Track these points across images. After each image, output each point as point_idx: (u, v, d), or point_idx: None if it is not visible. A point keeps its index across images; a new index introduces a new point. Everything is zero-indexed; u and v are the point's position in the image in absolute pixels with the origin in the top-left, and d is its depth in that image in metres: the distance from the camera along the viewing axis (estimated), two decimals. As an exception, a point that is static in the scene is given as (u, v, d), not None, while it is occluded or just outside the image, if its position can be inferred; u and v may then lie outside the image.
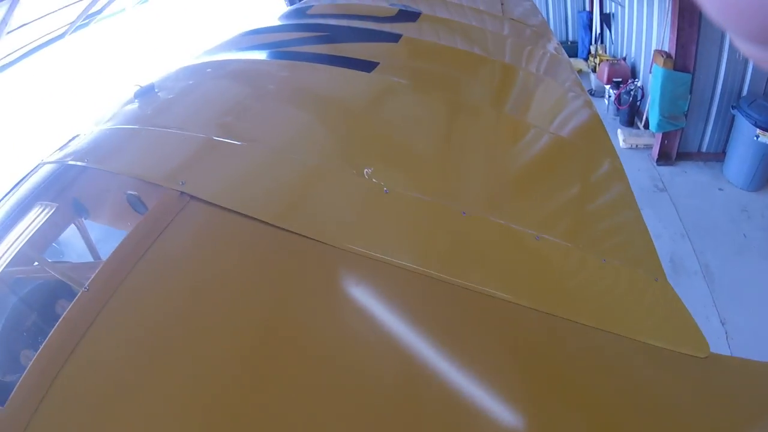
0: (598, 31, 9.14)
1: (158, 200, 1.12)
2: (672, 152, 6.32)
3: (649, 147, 6.72)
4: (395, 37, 2.18)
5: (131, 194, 1.29)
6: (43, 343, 0.86)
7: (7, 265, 1.33)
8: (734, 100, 5.67)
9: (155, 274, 0.99)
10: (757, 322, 4.08)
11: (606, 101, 8.00)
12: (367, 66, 1.80)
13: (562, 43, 9.48)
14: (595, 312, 1.02)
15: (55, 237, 1.61)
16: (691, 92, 5.80)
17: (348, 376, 0.84)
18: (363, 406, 0.81)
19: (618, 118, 7.60)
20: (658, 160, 6.38)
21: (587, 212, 1.37)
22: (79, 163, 1.47)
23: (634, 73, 7.83)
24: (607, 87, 7.81)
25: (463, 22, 2.67)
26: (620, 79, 7.62)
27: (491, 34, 2.58)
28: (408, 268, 0.99)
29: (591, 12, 9.32)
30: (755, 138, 5.22)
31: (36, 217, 1.48)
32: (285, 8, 3.48)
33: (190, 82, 1.91)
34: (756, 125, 5.15)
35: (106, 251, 1.68)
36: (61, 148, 1.69)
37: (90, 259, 1.68)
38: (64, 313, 0.89)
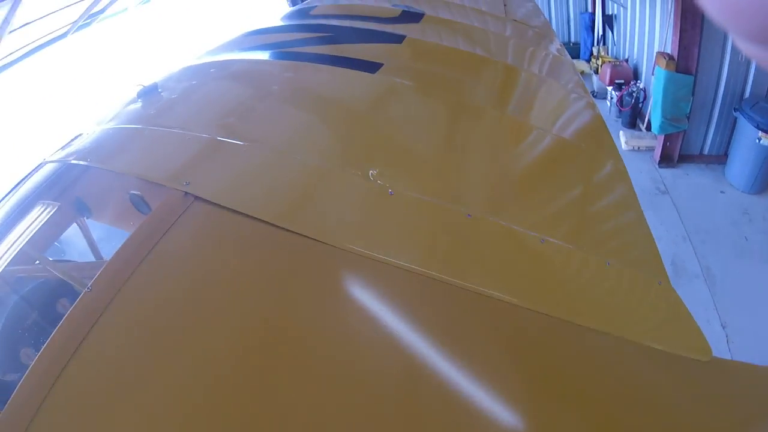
0: (601, 32, 9.13)
1: (162, 200, 1.12)
2: (674, 154, 6.32)
3: (651, 149, 6.72)
4: (399, 38, 2.18)
5: (134, 194, 1.29)
6: (45, 344, 0.86)
7: (8, 263, 1.33)
8: (736, 103, 5.66)
9: (159, 274, 0.99)
10: (758, 326, 4.07)
11: (608, 103, 7.99)
12: (371, 67, 1.80)
13: (564, 44, 9.49)
14: (598, 314, 1.01)
15: (57, 236, 1.61)
16: (693, 94, 5.80)
17: (350, 376, 0.84)
18: (365, 406, 0.81)
19: (620, 119, 7.60)
20: (660, 163, 6.38)
21: (591, 215, 1.37)
22: (81, 163, 1.47)
23: (636, 75, 7.82)
24: (610, 89, 7.80)
25: (466, 23, 2.67)
26: (622, 81, 7.61)
27: (494, 36, 2.58)
28: (413, 270, 0.99)
29: (593, 13, 9.32)
30: (757, 141, 5.21)
31: (38, 216, 1.48)
32: (287, 8, 3.48)
33: (194, 82, 1.91)
34: (758, 128, 5.15)
35: (107, 250, 1.69)
36: (63, 147, 1.69)
37: (91, 258, 1.69)
38: (67, 313, 0.89)
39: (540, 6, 3.62)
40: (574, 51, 9.99)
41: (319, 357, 0.87)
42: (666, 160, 6.36)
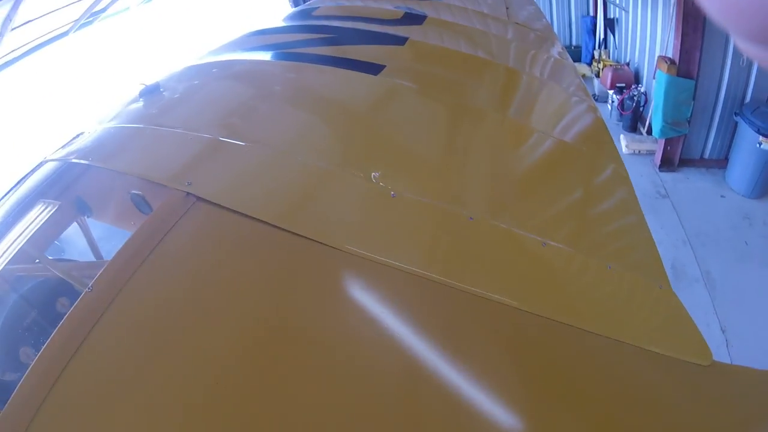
0: (602, 36, 9.15)
1: (164, 201, 1.11)
2: (675, 158, 6.32)
3: (651, 153, 6.72)
4: (401, 40, 2.18)
5: (135, 194, 1.29)
6: (45, 344, 0.85)
7: (8, 262, 1.33)
8: (737, 107, 5.67)
9: (160, 275, 0.99)
10: (758, 330, 4.08)
11: (609, 106, 7.99)
12: (374, 69, 1.80)
13: (565, 47, 9.49)
14: (599, 318, 1.01)
15: (58, 235, 1.61)
16: (694, 98, 5.81)
17: (351, 377, 0.84)
18: (365, 407, 0.81)
19: (621, 123, 7.61)
20: (660, 166, 6.38)
21: (592, 218, 1.37)
22: (82, 162, 1.47)
23: (637, 79, 7.83)
24: (611, 92, 7.81)
25: (468, 25, 2.67)
26: (623, 85, 7.62)
27: (497, 38, 2.58)
28: (415, 273, 0.99)
29: (595, 17, 9.34)
30: (758, 145, 5.22)
31: (38, 215, 1.48)
32: (289, 9, 3.49)
33: (196, 82, 1.91)
34: (759, 132, 5.15)
35: (107, 250, 1.69)
36: (64, 146, 1.69)
37: (91, 257, 1.68)
38: (67, 313, 0.89)
39: (541, 9, 3.62)
40: (576, 54, 9.99)
41: (321, 359, 0.86)
42: (666, 163, 6.36)
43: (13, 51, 6.97)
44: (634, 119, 7.41)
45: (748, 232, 5.19)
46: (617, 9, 8.47)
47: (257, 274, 1.02)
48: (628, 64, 8.12)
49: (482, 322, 0.97)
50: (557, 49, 2.60)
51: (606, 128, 1.76)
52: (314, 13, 2.80)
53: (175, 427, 0.77)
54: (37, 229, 1.44)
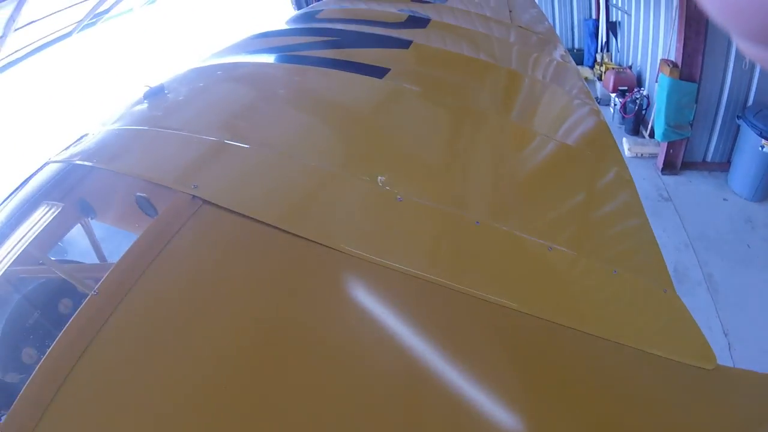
0: (604, 39, 9.16)
1: (170, 203, 1.11)
2: (677, 162, 6.32)
3: (654, 156, 6.72)
4: (405, 44, 2.18)
5: (141, 196, 1.29)
6: (51, 346, 0.85)
7: (12, 263, 1.33)
8: (740, 110, 5.68)
9: (166, 279, 0.98)
10: (760, 333, 4.07)
11: (611, 110, 8.00)
12: (379, 72, 1.80)
13: (567, 50, 9.49)
14: (604, 322, 1.01)
15: (61, 236, 1.61)
16: (696, 102, 5.81)
17: (356, 378, 0.84)
18: (369, 407, 0.81)
19: (623, 126, 7.61)
20: (663, 170, 6.38)
21: (597, 222, 1.37)
22: (86, 163, 1.47)
23: (639, 82, 7.83)
24: (613, 95, 7.82)
25: (472, 29, 2.67)
26: (626, 88, 7.64)
27: (501, 42, 2.58)
28: (422, 277, 0.99)
29: (597, 20, 9.35)
30: (760, 148, 5.22)
31: (42, 216, 1.48)
32: (292, 11, 3.49)
33: (200, 85, 1.91)
34: (761, 135, 5.15)
35: (109, 251, 1.69)
36: (68, 147, 1.69)
37: (94, 258, 1.68)
38: (73, 316, 0.89)
39: (544, 12, 3.62)
40: (578, 57, 10.01)
41: (329, 363, 0.86)
42: (669, 167, 6.37)
43: (16, 51, 6.99)
44: (637, 122, 7.42)
45: (750, 235, 5.19)
46: (620, 12, 8.48)
47: (265, 278, 1.01)
48: (630, 68, 8.13)
49: (490, 326, 0.97)
50: (560, 52, 2.60)
51: (609, 132, 1.76)
52: (318, 16, 2.80)
53: (182, 430, 0.77)
54: (41, 231, 1.44)
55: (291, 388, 0.82)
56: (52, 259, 1.52)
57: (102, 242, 1.72)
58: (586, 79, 9.10)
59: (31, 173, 1.70)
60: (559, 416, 0.85)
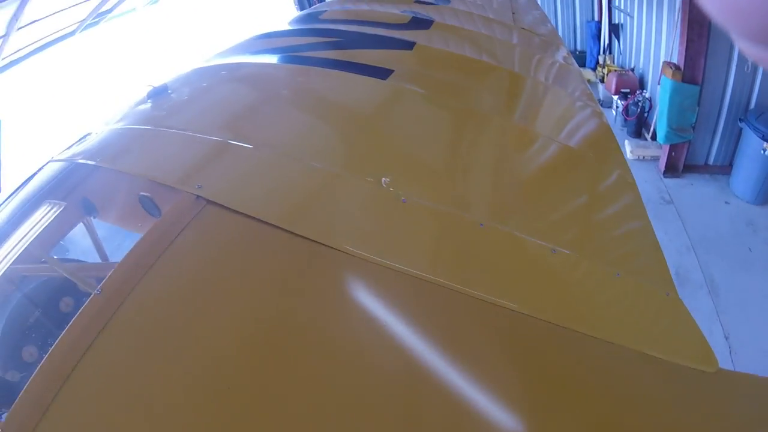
0: (607, 41, 9.15)
1: (174, 203, 1.11)
2: (679, 164, 6.31)
3: (656, 159, 6.71)
4: (409, 45, 2.18)
5: (144, 196, 1.29)
6: (54, 345, 0.85)
7: (14, 261, 1.33)
8: (742, 113, 5.66)
9: (170, 279, 0.98)
10: (761, 337, 4.07)
11: (614, 112, 7.99)
12: (382, 73, 1.80)
13: (570, 52, 9.48)
14: (606, 324, 1.01)
15: (64, 235, 1.61)
16: (699, 104, 5.80)
17: (358, 379, 0.84)
18: (369, 407, 0.81)
19: (625, 129, 7.60)
20: (664, 172, 6.37)
21: (601, 225, 1.37)
22: (89, 162, 1.47)
23: (642, 84, 7.83)
24: (615, 98, 7.81)
25: (475, 31, 2.67)
26: (628, 90, 7.62)
27: (504, 43, 2.58)
28: (426, 278, 0.99)
29: (600, 22, 9.34)
30: (762, 151, 5.20)
31: (44, 215, 1.48)
32: (295, 12, 3.49)
33: (204, 85, 1.91)
34: (763, 138, 5.14)
35: (109, 250, 1.69)
36: (71, 146, 1.69)
37: (95, 257, 1.68)
38: (76, 315, 0.89)
39: (546, 14, 3.62)
40: (580, 59, 9.99)
41: (332, 362, 0.87)
42: (671, 169, 6.36)
43: (19, 50, 7.01)
44: (639, 125, 7.41)
45: (751, 238, 5.17)
46: (622, 14, 8.47)
47: (268, 279, 1.01)
48: (632, 70, 8.12)
49: (493, 328, 0.97)
50: (563, 54, 2.60)
51: (612, 134, 1.76)
52: (321, 17, 2.80)
53: (186, 429, 0.77)
54: (43, 229, 1.44)
55: (293, 388, 0.82)
56: (54, 257, 1.52)
57: (102, 241, 1.72)
58: (588, 81, 9.09)
59: (34, 171, 1.70)
60: (560, 418, 0.85)
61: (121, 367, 0.85)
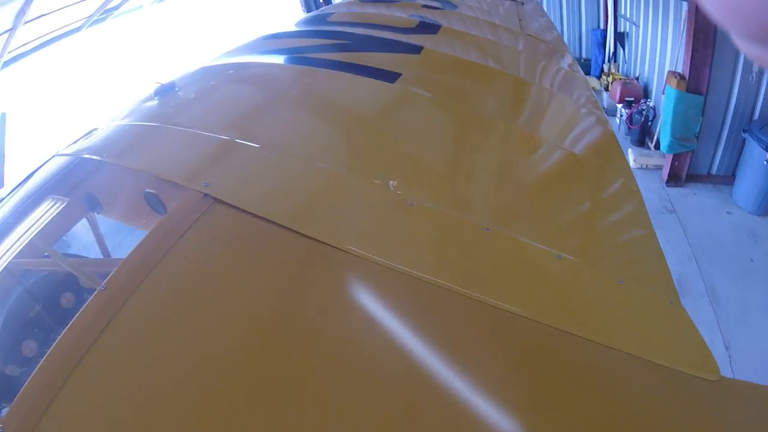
0: (612, 49, 9.15)
1: (180, 200, 1.11)
2: (682, 174, 6.31)
3: (659, 168, 6.71)
4: (417, 49, 2.19)
5: (150, 192, 1.29)
6: (56, 342, 0.85)
7: (17, 255, 1.33)
8: (745, 124, 5.66)
9: (175, 276, 0.98)
10: (761, 347, 4.06)
11: (618, 120, 7.99)
12: (390, 76, 1.80)
13: (575, 59, 9.48)
14: (609, 330, 1.01)
15: (67, 230, 1.61)
16: (703, 114, 5.80)
17: (360, 380, 0.84)
18: (372, 408, 0.81)
19: (629, 137, 7.60)
20: (667, 182, 6.37)
21: (605, 232, 1.38)
22: (95, 157, 1.47)
23: (646, 93, 7.83)
24: (619, 106, 7.81)
25: (482, 36, 2.68)
26: (632, 99, 7.62)
27: (511, 49, 2.59)
28: (432, 282, 0.99)
29: (605, 30, 9.35)
30: (765, 162, 5.20)
31: (48, 210, 1.48)
32: (301, 13, 3.50)
33: (211, 83, 1.91)
34: (766, 149, 5.14)
35: (111, 247, 1.69)
36: (76, 141, 1.70)
37: (97, 253, 1.69)
38: (80, 311, 0.89)
39: (552, 21, 3.63)
40: (585, 67, 9.99)
41: (334, 362, 0.87)
42: (674, 179, 6.35)
43: (25, 44, 7.03)
44: (642, 133, 7.41)
45: (753, 249, 5.17)
46: (628, 23, 8.48)
47: (274, 278, 1.02)
48: (637, 79, 8.12)
49: (496, 332, 0.97)
50: (568, 61, 2.61)
51: (617, 142, 1.76)
52: (329, 19, 2.81)
53: (189, 427, 0.77)
54: (47, 224, 1.44)
55: (296, 386, 0.82)
56: (60, 253, 1.52)
57: (106, 238, 1.72)
58: (593, 89, 9.10)
59: (39, 166, 1.70)
60: (561, 423, 0.85)
61: (124, 364, 0.85)
